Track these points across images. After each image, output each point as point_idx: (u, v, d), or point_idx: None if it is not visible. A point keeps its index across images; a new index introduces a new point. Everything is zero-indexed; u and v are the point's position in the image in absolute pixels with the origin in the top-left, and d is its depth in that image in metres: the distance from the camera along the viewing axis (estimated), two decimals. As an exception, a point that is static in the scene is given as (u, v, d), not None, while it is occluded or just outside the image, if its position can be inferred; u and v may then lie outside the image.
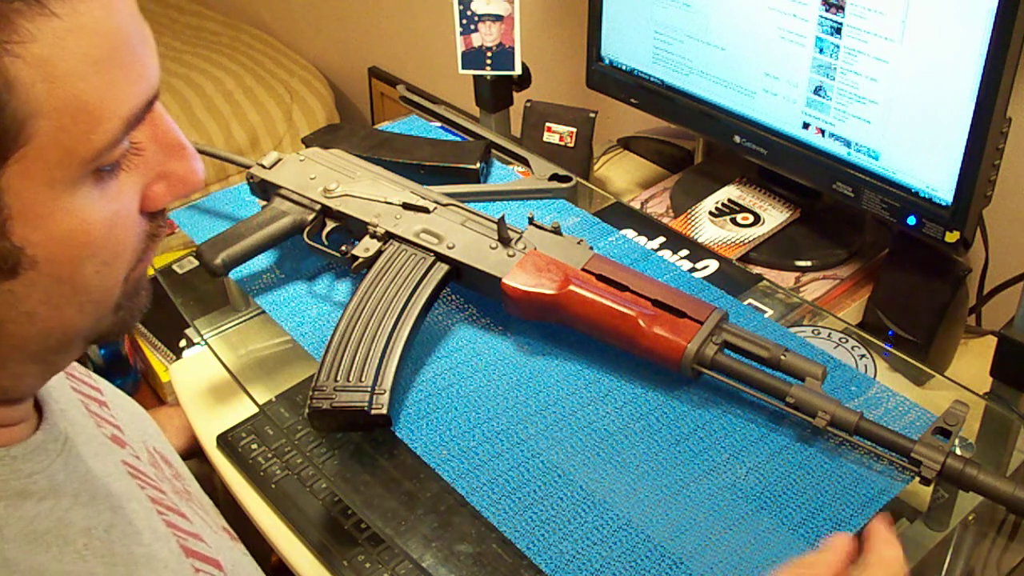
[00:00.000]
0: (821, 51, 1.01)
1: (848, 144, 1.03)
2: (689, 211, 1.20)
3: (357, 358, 0.81)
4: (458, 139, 1.21)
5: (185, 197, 0.60)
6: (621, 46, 1.24)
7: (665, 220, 1.21)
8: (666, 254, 1.05)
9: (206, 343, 1.01)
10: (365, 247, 0.91)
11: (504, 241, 0.89)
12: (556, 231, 0.90)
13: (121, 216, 0.52)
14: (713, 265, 1.04)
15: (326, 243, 0.95)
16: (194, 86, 2.15)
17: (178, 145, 0.54)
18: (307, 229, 0.95)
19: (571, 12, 1.55)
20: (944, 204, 0.96)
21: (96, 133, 0.48)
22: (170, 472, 0.77)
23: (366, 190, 0.95)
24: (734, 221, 1.18)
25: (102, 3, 0.47)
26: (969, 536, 0.81)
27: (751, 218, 1.18)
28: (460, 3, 1.22)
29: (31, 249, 0.48)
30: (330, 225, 0.96)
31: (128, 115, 0.49)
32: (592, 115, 1.28)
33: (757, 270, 1.08)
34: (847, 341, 0.95)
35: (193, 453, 1.18)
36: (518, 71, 1.26)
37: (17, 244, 0.48)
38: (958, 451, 0.75)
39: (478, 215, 0.92)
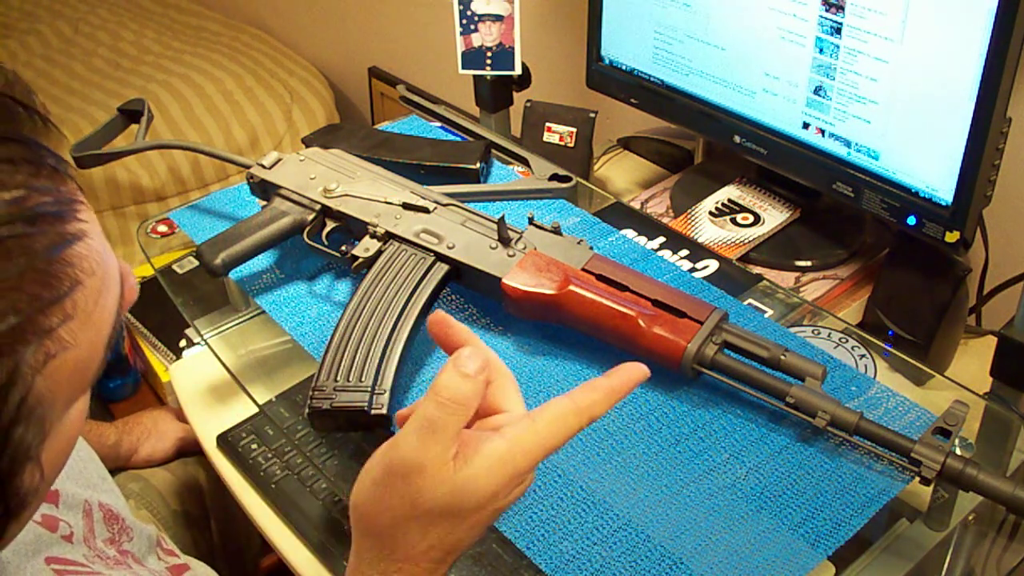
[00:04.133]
0: (821, 51, 1.01)
1: (848, 144, 1.03)
2: (689, 211, 1.20)
3: (357, 358, 0.81)
4: (458, 139, 1.21)
5: None
6: (621, 46, 1.24)
7: (665, 220, 1.21)
8: (666, 254, 1.05)
9: (206, 343, 1.01)
10: (365, 247, 0.91)
11: (504, 241, 0.89)
12: (556, 231, 0.90)
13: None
14: (713, 265, 1.04)
15: (326, 243, 0.95)
16: (194, 86, 2.15)
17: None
18: (307, 229, 0.95)
19: (571, 12, 1.55)
20: (944, 204, 0.96)
21: (93, 363, 0.48)
22: (116, 529, 0.76)
23: (366, 190, 0.95)
24: (734, 221, 1.18)
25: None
26: (969, 536, 0.81)
27: (751, 218, 1.18)
28: (460, 3, 1.22)
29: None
30: (330, 225, 0.96)
31: (115, 322, 0.49)
32: (592, 115, 1.28)
33: (757, 270, 1.08)
34: (847, 341, 0.95)
35: (179, 455, 1.18)
36: (518, 71, 1.26)
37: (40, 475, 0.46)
38: (958, 451, 0.75)
39: (478, 215, 0.92)
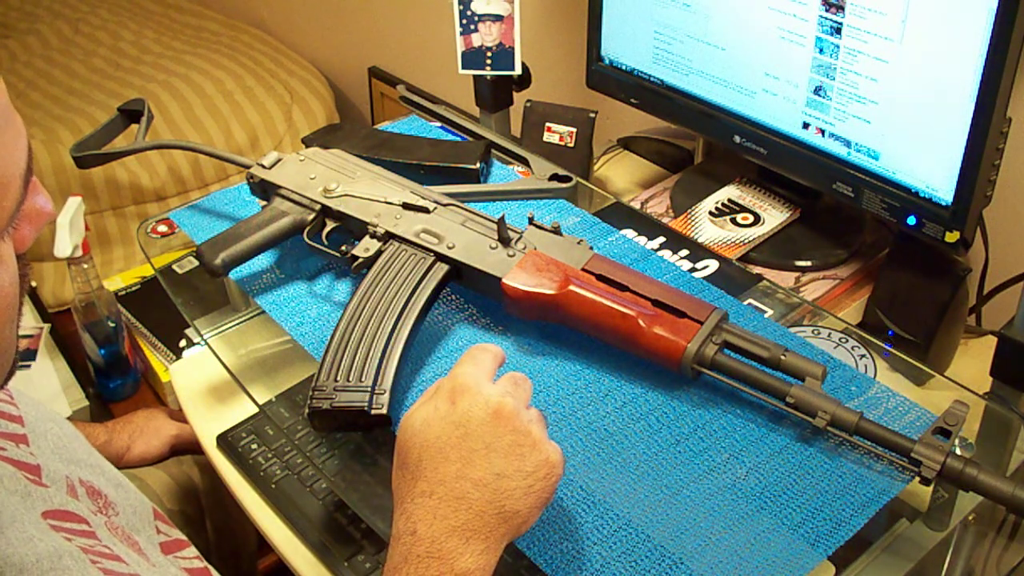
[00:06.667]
0: (821, 51, 1.01)
1: (848, 144, 1.03)
2: (689, 211, 1.20)
3: (357, 358, 0.81)
4: (458, 139, 1.21)
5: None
6: (621, 46, 1.24)
7: (665, 220, 1.21)
8: (666, 254, 1.05)
9: (206, 343, 1.01)
10: (365, 247, 0.91)
11: (504, 241, 0.89)
12: (556, 231, 0.90)
13: (12, 271, 0.52)
14: (713, 265, 1.04)
15: (326, 243, 0.95)
16: (194, 86, 2.15)
17: (31, 184, 0.53)
18: (307, 229, 0.95)
19: (571, 12, 1.55)
20: (944, 204, 0.96)
21: (7, 199, 0.47)
22: (100, 504, 0.76)
23: (366, 190, 0.95)
24: (734, 221, 1.18)
25: None
26: (969, 536, 0.81)
27: (751, 218, 1.18)
28: (460, 3, 1.22)
29: None
30: (330, 225, 0.96)
31: (24, 173, 0.49)
32: (592, 115, 1.28)
33: (757, 270, 1.08)
34: (847, 341, 0.95)
35: (173, 453, 1.18)
36: (518, 71, 1.26)
37: None
38: (958, 451, 0.75)
39: (478, 215, 0.92)
